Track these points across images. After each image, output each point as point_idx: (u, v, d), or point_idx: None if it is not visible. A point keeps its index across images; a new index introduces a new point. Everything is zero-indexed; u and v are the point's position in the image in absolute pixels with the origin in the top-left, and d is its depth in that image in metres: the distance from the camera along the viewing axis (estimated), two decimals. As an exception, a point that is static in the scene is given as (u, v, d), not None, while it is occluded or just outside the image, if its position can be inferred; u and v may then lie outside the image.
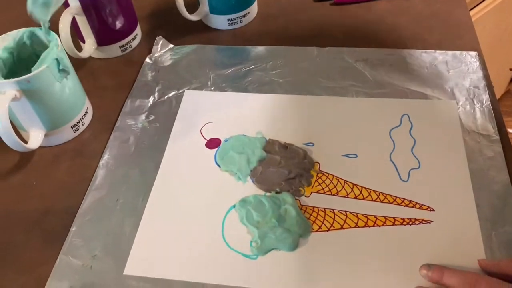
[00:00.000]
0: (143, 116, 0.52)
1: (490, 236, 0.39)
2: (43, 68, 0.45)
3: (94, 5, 0.55)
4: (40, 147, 0.49)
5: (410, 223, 0.41)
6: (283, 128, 0.50)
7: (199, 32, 0.63)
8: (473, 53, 0.55)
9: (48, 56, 0.46)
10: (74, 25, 0.57)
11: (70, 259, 0.41)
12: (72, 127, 0.51)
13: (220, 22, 0.62)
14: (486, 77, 0.52)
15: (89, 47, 0.59)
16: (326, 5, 0.65)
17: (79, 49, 0.58)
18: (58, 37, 0.48)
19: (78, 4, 0.54)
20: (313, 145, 0.48)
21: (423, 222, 0.41)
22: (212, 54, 0.59)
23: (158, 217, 0.44)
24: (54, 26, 0.49)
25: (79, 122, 0.51)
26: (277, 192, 0.45)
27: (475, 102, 0.50)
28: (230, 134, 0.50)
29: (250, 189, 0.45)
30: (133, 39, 0.61)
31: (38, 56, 0.47)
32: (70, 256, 0.41)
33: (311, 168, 0.46)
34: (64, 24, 0.53)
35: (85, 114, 0.52)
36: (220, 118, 0.52)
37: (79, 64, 0.60)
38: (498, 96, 1.56)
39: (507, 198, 0.42)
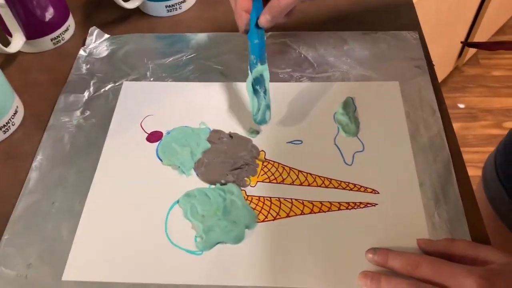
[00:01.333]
0: (78, 112, 0.50)
1: (433, 215, 0.40)
2: (-40, 66, 0.41)
3: (18, -4, 0.51)
4: (-35, 151, 0.46)
5: (355, 207, 0.41)
6: (228, 118, 0.48)
7: (136, 20, 0.60)
8: (413, 32, 0.55)
9: (-35, 52, 0.42)
10: (-2, 18, 0.53)
11: (3, 269, 0.39)
12: (1, 129, 0.48)
13: (157, 9, 0.59)
14: (427, 56, 0.53)
15: (17, 41, 0.55)
16: (268, -12, 0.63)
17: (6, 43, 0.54)
18: (-25, 31, 0.44)
19: (-1, -5, 0.50)
20: (259, 133, 0.47)
21: (368, 205, 0.41)
22: (150, 43, 0.57)
23: (97, 218, 0.42)
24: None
25: (9, 123, 0.48)
26: (222, 184, 0.43)
27: (416, 82, 0.50)
28: (173, 126, 0.48)
29: (194, 182, 0.44)
30: (66, 30, 0.58)
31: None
32: (3, 266, 0.39)
33: (256, 157, 0.45)
34: (-15, 17, 0.49)
35: (14, 114, 0.49)
36: (161, 110, 0.49)
37: (7, 60, 0.56)
38: (447, 72, 1.60)
39: (448, 176, 0.42)
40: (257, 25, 0.45)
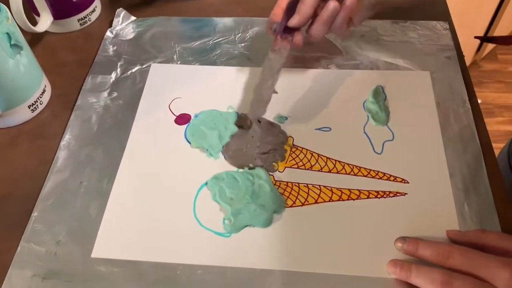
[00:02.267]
0: (105, 93, 0.50)
1: (463, 206, 0.39)
2: (-7, 42, 0.41)
3: (48, -25, 0.51)
4: (-5, 128, 0.46)
5: (385, 196, 0.41)
6: (255, 102, 0.48)
7: (163, 3, 0.59)
8: (444, 22, 0.54)
9: (-3, 30, 0.43)
10: (26, -3, 0.53)
11: (33, 246, 0.39)
12: (29, 107, 0.48)
13: (184, -8, 0.59)
14: (457, 46, 0.52)
15: (45, 21, 0.55)
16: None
17: (34, 23, 0.54)
18: (7, 9, 0.44)
19: (29, -27, 0.50)
20: (287, 119, 0.47)
21: (398, 194, 0.41)
22: (177, 27, 0.56)
23: (125, 198, 0.42)
24: (4, -2, 0.46)
25: (37, 101, 0.48)
26: (250, 168, 0.43)
27: (446, 72, 0.49)
28: (201, 109, 0.48)
29: (222, 165, 0.44)
30: (92, 11, 0.58)
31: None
32: (32, 243, 0.39)
33: (284, 143, 0.45)
34: (15, -5, 0.49)
35: (43, 93, 0.49)
36: (189, 93, 0.49)
37: (34, 39, 0.56)
38: (464, 67, 1.58)
39: (478, 167, 0.42)
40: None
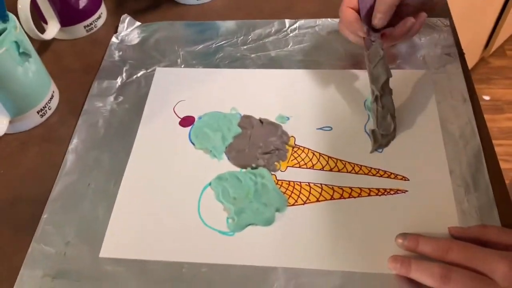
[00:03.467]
0: (111, 98, 0.51)
1: (463, 202, 0.40)
2: (2, 51, 0.43)
3: (54, -16, 0.53)
4: (5, 134, 0.47)
5: (386, 193, 0.41)
6: (258, 103, 0.49)
7: (167, 8, 0.61)
8: (444, 19, 0.55)
9: (6, 39, 0.44)
10: (34, 5, 0.55)
11: (43, 247, 0.40)
12: (38, 112, 0.49)
13: (188, -3, 0.60)
14: (457, 43, 0.52)
15: (52, 29, 0.56)
16: (297, -24, 0.64)
17: (42, 30, 0.55)
18: (15, 18, 0.46)
19: (36, -17, 0.52)
20: (288, 119, 0.48)
21: (398, 192, 0.41)
22: (181, 31, 0.58)
23: (132, 198, 0.43)
24: (13, 8, 0.47)
25: (46, 107, 0.50)
26: (253, 168, 0.44)
27: (447, 70, 0.50)
28: (204, 111, 0.49)
29: (225, 166, 0.45)
30: (98, 18, 0.59)
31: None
32: (43, 244, 0.40)
33: (286, 143, 0.46)
34: (23, 5, 0.50)
35: (51, 98, 0.50)
36: (193, 96, 0.50)
37: (42, 46, 0.58)
38: (472, 64, 1.57)
39: (478, 164, 0.42)
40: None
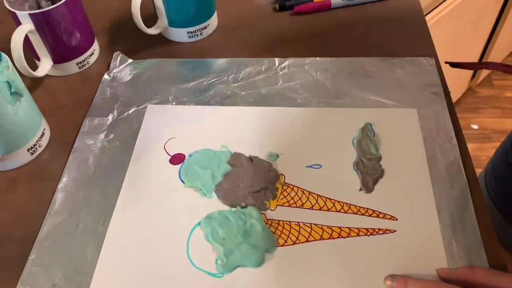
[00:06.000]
0: (102, 135, 0.51)
1: (451, 243, 0.40)
2: (-7, 91, 0.43)
3: (48, 23, 0.53)
4: (-6, 172, 0.47)
5: (374, 233, 0.42)
6: (248, 141, 0.50)
7: (159, 46, 0.62)
8: (430, 58, 0.56)
9: (-2, 78, 0.44)
10: (27, 43, 0.55)
11: (29, 289, 0.40)
12: (28, 150, 0.49)
13: (179, 35, 0.61)
14: (443, 82, 0.54)
15: (45, 66, 0.57)
16: (287, 15, 0.65)
17: (34, 67, 0.56)
18: (8, 58, 0.46)
19: (30, 22, 0.53)
20: (278, 156, 0.48)
21: (387, 232, 0.42)
22: (172, 68, 0.58)
23: (120, 239, 0.43)
24: (5, 45, 0.48)
25: (36, 145, 0.50)
26: (242, 207, 0.44)
27: (433, 108, 0.51)
28: (195, 148, 0.49)
29: (215, 204, 0.45)
30: (91, 55, 0.60)
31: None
32: (29, 286, 0.40)
33: (276, 181, 0.46)
34: (16, 43, 0.51)
35: (41, 136, 0.50)
36: (184, 133, 0.51)
37: (34, 83, 0.58)
38: (460, 94, 1.60)
39: (465, 203, 0.42)
40: None
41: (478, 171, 0.67)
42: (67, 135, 0.52)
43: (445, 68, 0.56)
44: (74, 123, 0.53)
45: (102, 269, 0.41)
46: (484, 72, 1.63)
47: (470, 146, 1.47)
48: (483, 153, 1.48)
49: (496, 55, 1.54)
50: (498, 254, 0.40)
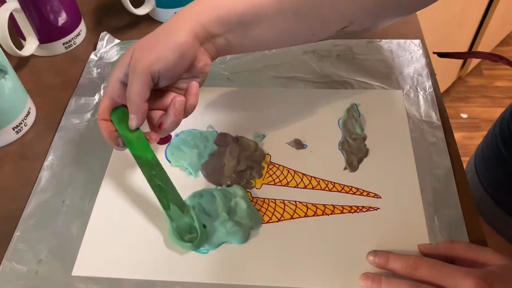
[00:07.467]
0: (88, 115, 0.51)
1: (433, 220, 0.41)
2: (-23, 67, 0.43)
3: (33, 1, 0.53)
4: (-21, 150, 0.47)
5: (358, 210, 0.42)
6: (234, 121, 0.50)
7: (146, 26, 0.61)
8: (417, 41, 0.56)
9: (-18, 55, 0.44)
10: (13, 22, 0.55)
11: (14, 265, 0.40)
12: (13, 129, 0.49)
13: (167, 15, 0.61)
14: (429, 64, 0.54)
15: (31, 45, 0.56)
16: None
17: (20, 47, 0.55)
18: (-8, 35, 0.46)
19: (15, 0, 0.52)
20: (264, 137, 0.48)
21: (370, 209, 0.42)
22: (160, 49, 0.58)
23: (106, 216, 0.43)
24: (-12, 23, 0.47)
25: (21, 123, 0.50)
26: (228, 185, 0.44)
27: (418, 90, 0.51)
28: (181, 128, 0.49)
29: (201, 183, 0.45)
30: (77, 35, 0.59)
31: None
32: (14, 262, 0.40)
33: (262, 160, 0.46)
34: (1, 21, 0.50)
35: (27, 115, 0.50)
36: (169, 114, 0.51)
37: (20, 62, 0.58)
38: (450, 82, 1.61)
39: (448, 182, 0.43)
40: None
41: (467, 160, 0.67)
42: (53, 114, 0.52)
43: (434, 57, 0.56)
44: (60, 103, 0.53)
45: (87, 245, 0.41)
46: (474, 62, 1.64)
47: (459, 135, 1.48)
48: (472, 142, 1.50)
49: (486, 45, 1.54)
50: (478, 229, 0.40)
